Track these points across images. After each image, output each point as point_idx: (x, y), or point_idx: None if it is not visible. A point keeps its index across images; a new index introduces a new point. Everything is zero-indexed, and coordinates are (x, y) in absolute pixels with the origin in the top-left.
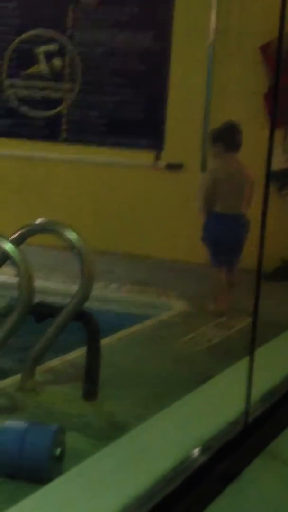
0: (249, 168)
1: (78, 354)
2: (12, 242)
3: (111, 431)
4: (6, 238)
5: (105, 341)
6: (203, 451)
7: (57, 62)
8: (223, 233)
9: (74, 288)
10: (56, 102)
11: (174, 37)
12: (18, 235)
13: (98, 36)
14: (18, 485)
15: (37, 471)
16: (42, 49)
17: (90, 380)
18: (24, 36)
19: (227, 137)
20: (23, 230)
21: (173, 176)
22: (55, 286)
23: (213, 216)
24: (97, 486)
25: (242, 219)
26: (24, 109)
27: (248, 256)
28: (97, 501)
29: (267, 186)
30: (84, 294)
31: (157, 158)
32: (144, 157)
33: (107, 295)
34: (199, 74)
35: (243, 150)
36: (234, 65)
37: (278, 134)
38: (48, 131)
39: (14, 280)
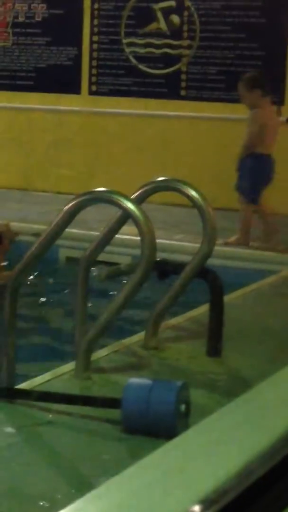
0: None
1: (201, 311)
2: (134, 200)
3: (235, 387)
4: (128, 197)
5: (227, 298)
6: None
7: (175, 18)
8: (267, 171)
9: (195, 245)
10: (175, 59)
11: None
12: (140, 193)
13: None
14: (142, 441)
15: (162, 427)
16: (160, 6)
17: (213, 337)
18: None
19: (262, 83)
20: (144, 188)
21: None
22: (177, 243)
23: (258, 156)
24: (220, 442)
25: (272, 158)
26: (143, 67)
27: None
28: (220, 457)
29: None
30: (207, 251)
31: (278, 113)
32: None
33: (229, 251)
34: None
35: None
36: None
37: None
38: (167, 89)
39: (136, 238)
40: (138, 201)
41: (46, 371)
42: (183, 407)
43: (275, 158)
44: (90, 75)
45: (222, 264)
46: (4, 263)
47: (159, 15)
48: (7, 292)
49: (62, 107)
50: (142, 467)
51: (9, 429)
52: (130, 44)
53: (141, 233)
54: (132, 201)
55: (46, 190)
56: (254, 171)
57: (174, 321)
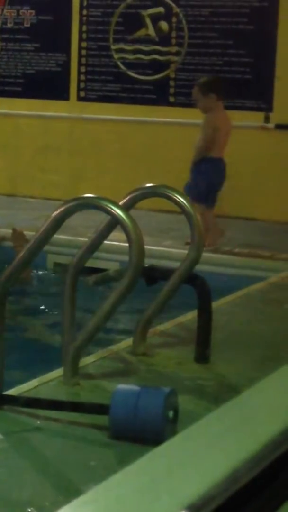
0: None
1: (189, 317)
2: (122, 206)
3: (223, 393)
4: (116, 203)
5: (216, 304)
6: None
7: (163, 25)
8: (221, 175)
9: (183, 251)
10: (164, 66)
11: None
12: (128, 199)
13: None
14: (130, 447)
15: (150, 433)
16: (149, 12)
17: (202, 343)
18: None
19: (217, 88)
20: (133, 194)
21: (282, 137)
22: (165, 249)
23: (211, 160)
24: (207, 448)
25: (224, 162)
26: (131, 73)
27: None
28: (207, 463)
29: None
30: (195, 256)
31: (266, 119)
32: (252, 118)
33: (216, 258)
34: None
35: None
36: None
37: None
38: (156, 95)
39: (124, 244)
40: (126, 207)
41: (34, 377)
42: (171, 413)
43: (265, 166)
44: (79, 81)
45: (210, 270)
46: None
47: (148, 21)
48: None
49: (50, 113)
50: (129, 473)
51: None
52: (118, 50)
53: (129, 239)
54: (120, 207)
55: (33, 196)
56: (210, 175)
57: (162, 327)
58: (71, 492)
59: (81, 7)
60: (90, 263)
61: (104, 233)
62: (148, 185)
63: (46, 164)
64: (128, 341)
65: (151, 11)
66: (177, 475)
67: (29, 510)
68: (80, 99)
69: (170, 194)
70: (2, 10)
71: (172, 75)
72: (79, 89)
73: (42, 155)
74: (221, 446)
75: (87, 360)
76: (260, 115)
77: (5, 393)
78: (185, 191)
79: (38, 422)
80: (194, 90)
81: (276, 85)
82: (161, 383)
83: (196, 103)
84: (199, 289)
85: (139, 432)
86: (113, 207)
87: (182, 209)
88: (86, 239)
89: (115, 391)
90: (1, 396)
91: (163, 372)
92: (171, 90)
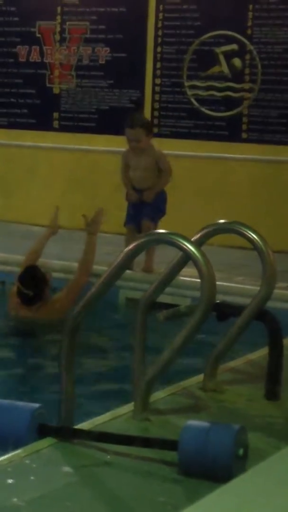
0: None
1: (260, 354)
2: (194, 242)
3: None
4: (188, 239)
5: (286, 341)
6: None
7: (237, 62)
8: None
9: (255, 287)
10: (237, 102)
11: None
12: (200, 235)
13: (278, 34)
14: (199, 484)
15: (220, 470)
16: (222, 49)
17: (272, 380)
18: (203, 37)
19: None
20: (205, 231)
21: None
22: (237, 285)
23: (164, 190)
24: (276, 485)
25: None
26: (204, 109)
27: None
28: (276, 500)
29: None
30: (266, 293)
31: None
32: None
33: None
34: None
35: None
36: None
37: None
38: (229, 131)
39: (196, 280)
40: (198, 243)
41: (104, 412)
42: (241, 450)
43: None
44: (152, 117)
45: (281, 307)
46: None
47: (221, 58)
48: (65, 331)
49: (123, 149)
50: (199, 508)
51: (67, 469)
52: (192, 87)
53: (200, 275)
54: (192, 242)
55: (108, 231)
56: (164, 203)
57: (232, 363)
58: None
59: (155, 45)
60: (161, 299)
61: (176, 269)
62: (220, 221)
63: (121, 200)
64: (198, 377)
65: (224, 48)
66: (247, 511)
67: None
68: (153, 135)
69: (242, 230)
70: (78, 47)
71: (245, 112)
72: (152, 125)
73: (117, 191)
74: None
75: (157, 396)
76: None
77: (75, 427)
78: (151, 215)
79: (108, 457)
80: (138, 131)
81: None
82: (231, 420)
83: (139, 143)
84: (270, 326)
85: (208, 468)
86: (185, 242)
87: (254, 246)
88: (158, 275)
89: (185, 427)
90: (72, 430)
91: (233, 409)
92: (244, 127)
